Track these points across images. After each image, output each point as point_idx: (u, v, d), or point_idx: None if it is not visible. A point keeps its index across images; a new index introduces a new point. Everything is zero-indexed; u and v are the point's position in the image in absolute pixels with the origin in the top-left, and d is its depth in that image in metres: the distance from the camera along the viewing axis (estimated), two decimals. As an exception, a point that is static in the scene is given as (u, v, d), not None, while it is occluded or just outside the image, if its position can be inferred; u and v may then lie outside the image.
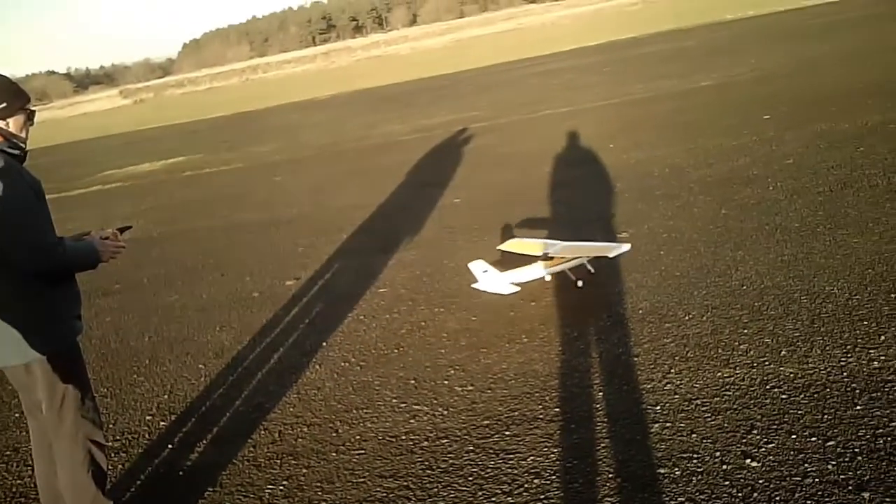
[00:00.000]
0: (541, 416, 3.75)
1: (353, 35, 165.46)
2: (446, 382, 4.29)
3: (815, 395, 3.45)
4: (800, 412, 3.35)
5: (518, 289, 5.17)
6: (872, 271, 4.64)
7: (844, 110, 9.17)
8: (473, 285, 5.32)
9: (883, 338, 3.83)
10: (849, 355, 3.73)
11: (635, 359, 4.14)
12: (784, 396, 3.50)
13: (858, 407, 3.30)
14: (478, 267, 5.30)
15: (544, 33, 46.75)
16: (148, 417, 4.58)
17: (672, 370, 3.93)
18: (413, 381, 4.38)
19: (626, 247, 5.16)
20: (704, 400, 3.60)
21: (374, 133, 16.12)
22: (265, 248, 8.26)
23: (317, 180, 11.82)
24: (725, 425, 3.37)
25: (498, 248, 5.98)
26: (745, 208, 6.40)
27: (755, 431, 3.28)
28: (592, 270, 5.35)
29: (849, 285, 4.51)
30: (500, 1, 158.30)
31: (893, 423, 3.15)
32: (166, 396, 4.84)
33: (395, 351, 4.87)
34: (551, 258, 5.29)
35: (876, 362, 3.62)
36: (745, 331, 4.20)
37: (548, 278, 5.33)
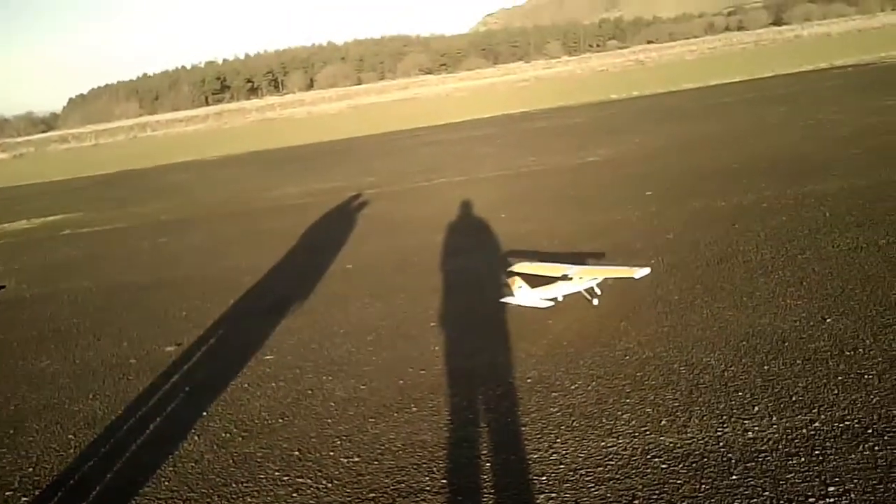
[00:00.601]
0: (427, 489, 3.69)
1: (248, 97, 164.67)
2: (332, 454, 4.17)
3: (694, 465, 3.54)
4: (679, 482, 3.43)
5: (552, 303, 5.78)
6: (746, 343, 4.85)
7: (721, 189, 9.70)
8: (504, 299, 5.93)
9: (757, 409, 3.98)
10: (725, 425, 3.86)
11: (523, 428, 4.15)
12: (664, 466, 3.57)
13: (734, 477, 3.40)
14: (515, 283, 5.79)
15: (439, 104, 47.86)
16: (8, 493, 4.24)
17: (558, 440, 3.96)
18: (297, 453, 4.24)
19: (646, 270, 5.72)
20: (589, 470, 3.64)
21: (267, 196, 15.94)
22: (146, 311, 7.94)
23: (205, 242, 11.55)
24: (608, 495, 3.40)
25: (509, 269, 6.39)
26: (629, 280, 6.61)
27: (636, 501, 3.33)
28: (599, 293, 5.93)
29: (724, 357, 4.70)
30: (397, 70, 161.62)
31: (766, 493, 3.25)
32: (31, 469, 4.51)
33: (280, 421, 4.72)
34: (570, 278, 5.89)
35: (750, 433, 3.76)
36: (628, 400, 4.30)
37: (560, 299, 5.90)
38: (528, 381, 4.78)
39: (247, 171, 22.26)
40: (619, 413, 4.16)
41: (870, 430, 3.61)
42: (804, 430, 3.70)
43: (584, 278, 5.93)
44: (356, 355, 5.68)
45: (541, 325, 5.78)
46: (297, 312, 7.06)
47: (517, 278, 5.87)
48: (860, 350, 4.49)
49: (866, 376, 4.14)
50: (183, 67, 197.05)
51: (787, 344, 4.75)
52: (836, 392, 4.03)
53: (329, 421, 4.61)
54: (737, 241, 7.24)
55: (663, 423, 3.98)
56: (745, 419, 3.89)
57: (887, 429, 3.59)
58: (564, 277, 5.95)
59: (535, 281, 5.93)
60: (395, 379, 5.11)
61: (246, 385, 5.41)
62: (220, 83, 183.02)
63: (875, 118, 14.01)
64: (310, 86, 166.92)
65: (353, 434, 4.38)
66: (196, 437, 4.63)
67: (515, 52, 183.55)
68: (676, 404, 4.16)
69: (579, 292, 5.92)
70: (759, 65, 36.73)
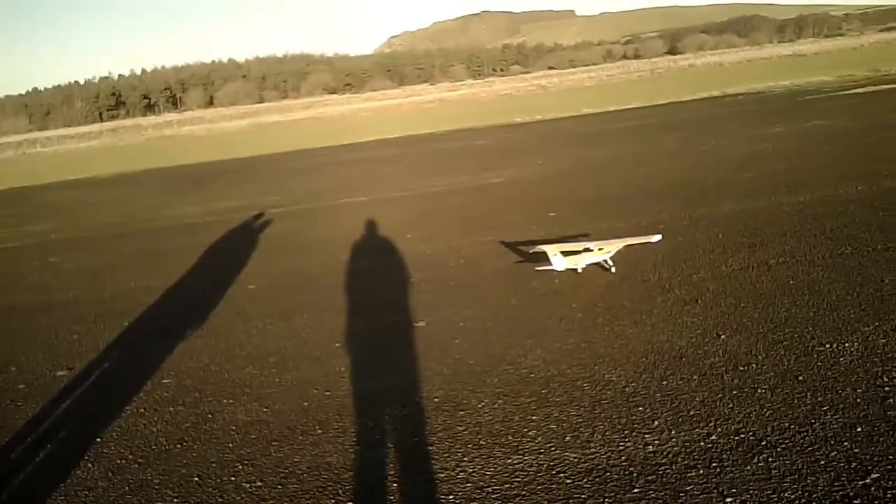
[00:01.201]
0: (334, 512, 3.62)
1: (145, 113, 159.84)
2: (234, 479, 4.04)
3: (597, 479, 3.60)
4: (583, 496, 3.47)
5: (578, 268, 7.04)
6: (646, 360, 4.98)
7: (621, 210, 9.99)
8: (540, 267, 7.05)
9: (657, 423, 4.09)
10: (626, 440, 3.94)
11: (430, 448, 4.13)
12: (569, 481, 3.62)
13: (636, 490, 3.48)
14: (552, 252, 6.94)
15: (344, 123, 47.69)
16: None
17: (465, 458, 3.96)
18: (197, 479, 4.09)
19: (659, 237, 7.02)
20: (496, 487, 3.65)
21: (165, 214, 15.48)
22: (35, 334, 7.54)
23: (98, 262, 11.08)
24: (516, 513, 3.42)
25: (531, 251, 7.56)
26: (534, 298, 6.71)
27: (544, 518, 3.35)
28: (612, 265, 7.07)
29: (626, 373, 4.81)
30: (301, 89, 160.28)
31: (667, 505, 3.34)
32: None
33: (179, 446, 4.55)
34: (591, 250, 7.02)
35: (651, 446, 3.85)
36: (534, 417, 4.34)
37: (580, 270, 7.06)
38: (435, 400, 4.77)
39: (144, 189, 21.55)
40: (525, 430, 4.20)
41: (763, 443, 3.75)
42: (702, 443, 3.82)
43: (603, 249, 7.05)
44: (259, 377, 5.55)
45: (447, 344, 5.79)
46: (196, 335, 6.84)
47: (553, 248, 7.03)
48: (753, 365, 4.68)
49: (759, 390, 4.31)
50: (76, 82, 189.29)
51: (684, 360, 4.91)
52: (731, 406, 4.18)
53: (230, 445, 4.47)
54: (636, 261, 7.44)
55: (567, 438, 4.04)
56: (645, 433, 3.99)
57: (779, 440, 3.74)
58: (586, 250, 7.05)
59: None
60: (299, 401, 5.01)
61: (142, 410, 5.20)
62: (115, 99, 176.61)
63: (764, 144, 14.74)
64: (210, 103, 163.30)
65: (256, 458, 4.26)
66: (90, 465, 4.41)
67: (420, 74, 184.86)
68: (580, 420, 4.22)
69: (598, 263, 7.12)
70: (655, 92, 38.18)
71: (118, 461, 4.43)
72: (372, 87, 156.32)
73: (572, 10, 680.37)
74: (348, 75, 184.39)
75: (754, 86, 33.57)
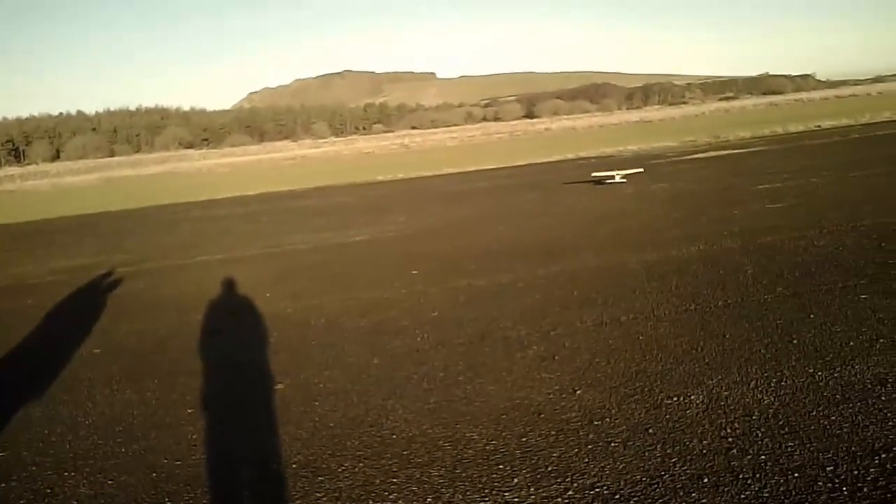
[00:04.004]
0: (182, 592, 3.39)
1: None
2: (71, 561, 3.73)
3: (460, 542, 3.56)
4: (446, 561, 3.42)
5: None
6: (506, 417, 5.03)
7: (482, 268, 10.17)
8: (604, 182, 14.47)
9: (516, 480, 4.11)
10: (487, 499, 3.93)
11: (287, 517, 3.97)
12: (432, 545, 3.56)
13: (498, 550, 3.46)
14: (613, 173, 14.21)
15: (201, 179, 46.50)
16: None
17: (324, 527, 3.83)
18: (28, 564, 3.74)
19: (640, 169, 16.36)
20: (356, 556, 3.53)
21: (3, 274, 14.42)
22: None
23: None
24: (377, 582, 3.32)
25: (595, 174, 15.48)
26: (395, 358, 6.67)
27: (405, 585, 3.27)
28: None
29: (486, 430, 4.83)
30: (155, 143, 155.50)
31: (528, 564, 3.33)
32: None
33: (9, 528, 4.16)
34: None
35: (511, 504, 3.86)
36: (395, 480, 4.27)
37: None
38: (294, 465, 4.61)
39: (-21, 245, 20.07)
40: (387, 493, 4.11)
41: (617, 496, 3.83)
42: (559, 499, 3.86)
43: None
44: (103, 448, 5.18)
45: (307, 406, 5.63)
46: (34, 403, 6.33)
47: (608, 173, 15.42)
48: (607, 419, 4.81)
49: (612, 444, 4.43)
50: None
51: (542, 416, 4.99)
52: (586, 460, 4.26)
53: (68, 524, 4.14)
54: (496, 318, 7.56)
55: (429, 500, 3.98)
56: (505, 491, 3.99)
57: (632, 493, 3.84)
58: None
59: None
60: (147, 472, 4.71)
61: (-33, 489, 4.73)
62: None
63: (614, 205, 15.51)
64: (56, 157, 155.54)
65: (97, 537, 3.95)
66: None
67: (282, 131, 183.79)
68: (442, 481, 4.19)
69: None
70: (514, 153, 39.56)
71: (-65, 549, 3.99)
72: (231, 142, 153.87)
73: (433, 73, 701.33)
74: (206, 130, 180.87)
75: (605, 150, 35.44)
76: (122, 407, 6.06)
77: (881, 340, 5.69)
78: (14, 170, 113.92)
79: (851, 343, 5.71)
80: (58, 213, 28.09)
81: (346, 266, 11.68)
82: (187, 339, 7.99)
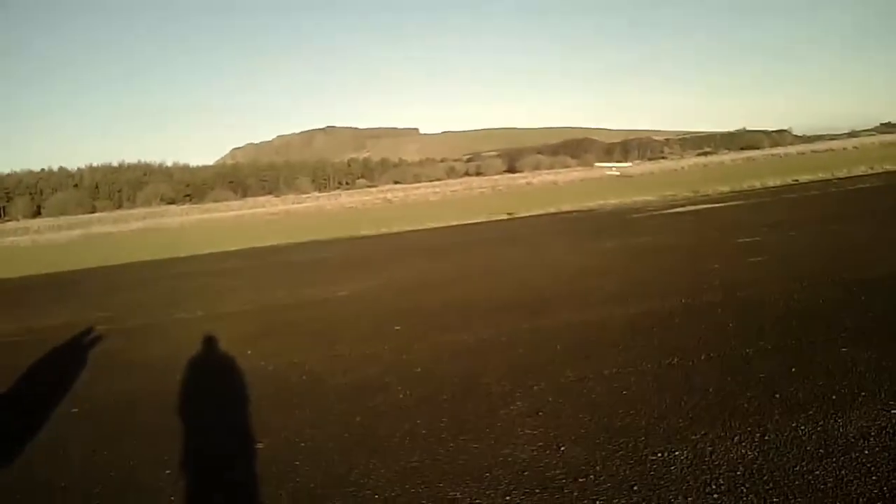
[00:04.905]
0: None
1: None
2: None
3: None
4: None
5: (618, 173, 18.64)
6: (490, 475, 4.97)
7: (465, 323, 10.14)
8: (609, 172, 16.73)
9: (501, 540, 4.05)
10: (472, 561, 3.87)
11: (267, 582, 3.88)
12: None
13: None
14: (613, 165, 13.18)
15: (183, 234, 46.40)
16: None
17: (305, 592, 3.74)
18: None
19: (629, 164, 18.67)
20: None
21: (-21, 332, 14.21)
22: None
23: None
24: None
25: (607, 166, 16.42)
26: (378, 415, 6.60)
27: None
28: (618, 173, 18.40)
29: (470, 489, 4.77)
30: (137, 199, 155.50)
31: None
32: None
33: None
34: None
35: (496, 566, 3.80)
36: (378, 542, 4.19)
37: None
38: (274, 528, 4.52)
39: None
40: (369, 556, 4.03)
41: (603, 555, 3.79)
42: (546, 560, 3.80)
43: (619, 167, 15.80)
44: (78, 512, 5.08)
45: (288, 465, 5.56)
46: (6, 466, 6.21)
47: (611, 167, 15.07)
48: (591, 476, 4.77)
49: (597, 502, 4.39)
50: None
51: (526, 473, 4.94)
52: (572, 519, 4.22)
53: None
54: (479, 374, 7.53)
55: (413, 563, 3.91)
56: (491, 553, 3.93)
57: (618, 552, 3.79)
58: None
59: None
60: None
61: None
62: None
63: (597, 259, 15.58)
64: (37, 213, 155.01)
65: None
66: None
67: (265, 186, 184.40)
68: (425, 543, 4.12)
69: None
70: (497, 208, 39.80)
71: None
72: (214, 198, 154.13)
73: (416, 128, 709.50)
74: (188, 185, 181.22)
75: (586, 203, 35.73)
76: (99, 468, 5.95)
77: (863, 394, 5.72)
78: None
79: (833, 396, 5.73)
80: (38, 271, 27.82)
81: (328, 322, 11.62)
82: (166, 398, 7.88)
